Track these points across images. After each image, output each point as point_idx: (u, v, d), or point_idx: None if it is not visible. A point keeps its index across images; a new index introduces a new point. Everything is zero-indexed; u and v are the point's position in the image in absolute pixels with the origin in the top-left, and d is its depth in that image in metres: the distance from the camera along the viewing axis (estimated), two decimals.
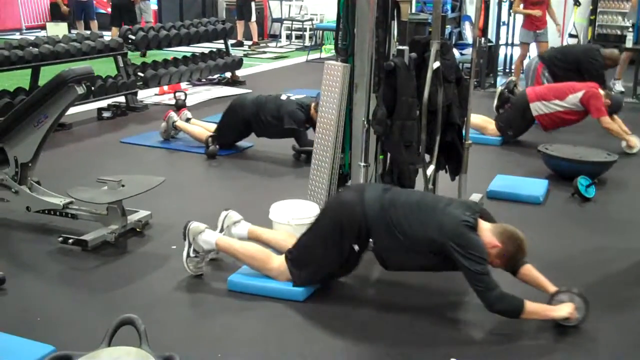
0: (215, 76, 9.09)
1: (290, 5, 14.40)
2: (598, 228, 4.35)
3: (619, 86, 8.75)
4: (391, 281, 3.40)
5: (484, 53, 8.57)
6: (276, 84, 9.05)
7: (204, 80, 8.98)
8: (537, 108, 6.05)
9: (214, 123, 6.00)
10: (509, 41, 9.93)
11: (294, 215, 3.71)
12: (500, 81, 8.65)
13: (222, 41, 9.34)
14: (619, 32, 10.70)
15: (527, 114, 6.10)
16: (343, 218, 3.17)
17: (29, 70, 6.53)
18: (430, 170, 3.92)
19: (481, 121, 6.33)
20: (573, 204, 4.74)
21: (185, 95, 7.65)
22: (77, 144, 6.15)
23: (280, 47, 13.41)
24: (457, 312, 3.22)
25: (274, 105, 5.60)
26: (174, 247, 3.75)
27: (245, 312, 3.15)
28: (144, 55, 9.85)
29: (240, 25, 12.95)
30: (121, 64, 7.42)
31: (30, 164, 4.10)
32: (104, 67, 7.72)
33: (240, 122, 5.74)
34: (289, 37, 14.10)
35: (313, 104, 5.40)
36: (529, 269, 3.13)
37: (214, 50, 9.05)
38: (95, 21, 13.17)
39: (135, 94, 7.54)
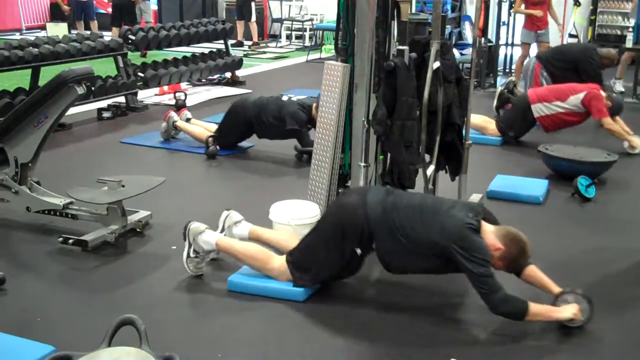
0: (215, 76, 9.09)
1: (290, 5, 14.40)
2: (598, 228, 4.35)
3: (619, 86, 8.74)
4: (391, 281, 3.40)
5: (484, 53, 8.56)
6: (276, 84, 9.06)
7: (204, 80, 8.98)
8: (539, 109, 6.05)
9: (214, 123, 6.00)
10: (509, 41, 9.93)
11: (293, 216, 3.71)
12: (500, 81, 8.65)
13: (222, 41, 9.34)
14: (619, 32, 10.72)
15: (528, 115, 6.10)
16: (345, 221, 3.16)
17: (29, 71, 6.53)
18: (430, 170, 3.92)
19: (481, 121, 6.33)
20: (573, 204, 4.74)
21: (185, 95, 7.65)
22: (77, 144, 6.15)
23: (280, 47, 13.41)
24: (457, 312, 3.22)
25: (275, 107, 5.60)
26: (174, 247, 3.75)
27: (245, 312, 3.15)
28: (144, 55, 9.85)
29: (240, 26, 12.95)
30: (121, 64, 7.42)
31: (30, 164, 4.10)
32: (104, 67, 7.72)
33: (242, 124, 5.73)
34: (289, 37, 14.09)
35: (314, 105, 5.39)
36: (533, 270, 3.12)
37: (214, 50, 9.04)
38: (95, 21, 13.17)
39: (135, 94, 7.54)
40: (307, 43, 13.14)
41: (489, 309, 2.95)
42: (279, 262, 3.28)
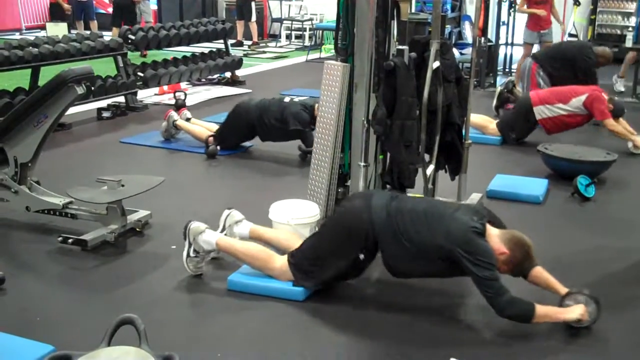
0: (215, 76, 9.10)
1: (290, 5, 14.41)
2: (598, 228, 4.34)
3: (620, 85, 8.74)
4: (391, 281, 3.39)
5: (483, 53, 8.56)
6: (276, 83, 9.06)
7: (203, 80, 8.98)
8: (541, 112, 6.04)
9: (215, 123, 5.99)
10: (509, 41, 9.92)
11: (293, 215, 3.71)
12: (500, 81, 8.64)
13: (222, 41, 9.34)
14: (618, 32, 10.72)
15: (530, 117, 6.10)
16: (349, 225, 3.16)
17: (29, 70, 6.53)
18: (429, 169, 3.92)
19: (481, 120, 6.33)
20: (573, 203, 4.74)
21: (185, 95, 7.64)
22: (77, 144, 6.15)
23: (280, 47, 13.41)
24: (457, 312, 3.22)
25: (277, 108, 5.60)
26: (174, 247, 3.75)
27: (245, 311, 3.15)
28: (144, 55, 9.84)
29: (240, 25, 12.95)
30: (121, 64, 7.42)
31: (30, 164, 4.09)
32: (104, 67, 7.72)
33: (245, 126, 5.73)
34: (288, 37, 14.10)
35: (316, 105, 5.39)
36: (539, 271, 3.11)
37: (214, 50, 9.05)
38: (95, 21, 13.16)
39: (135, 94, 7.54)
40: (307, 43, 13.15)
41: (495, 313, 2.93)
42: (281, 262, 3.28)
